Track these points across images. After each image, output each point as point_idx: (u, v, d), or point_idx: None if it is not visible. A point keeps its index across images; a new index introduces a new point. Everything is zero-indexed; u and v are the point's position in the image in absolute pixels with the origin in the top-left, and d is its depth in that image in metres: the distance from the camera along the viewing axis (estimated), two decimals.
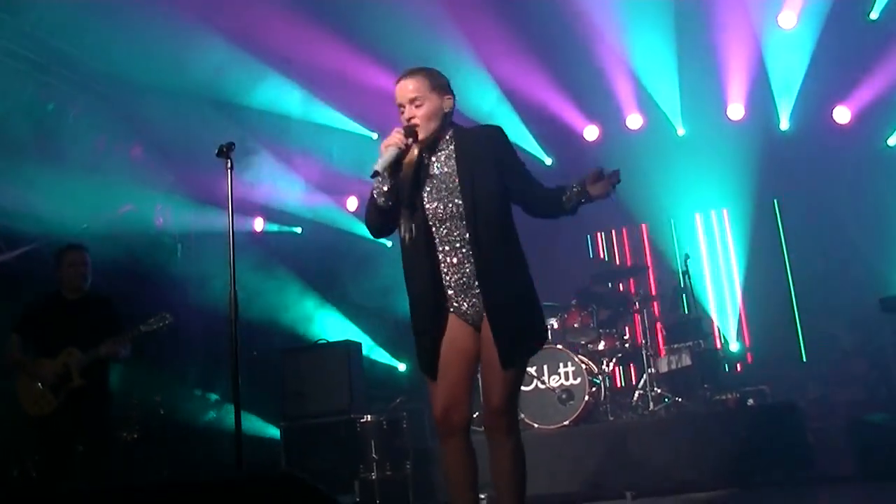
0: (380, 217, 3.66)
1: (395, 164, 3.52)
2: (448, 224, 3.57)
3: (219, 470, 7.98)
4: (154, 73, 7.98)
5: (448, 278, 3.59)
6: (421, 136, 3.59)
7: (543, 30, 8.95)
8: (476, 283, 3.55)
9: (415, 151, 3.64)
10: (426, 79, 3.63)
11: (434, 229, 3.60)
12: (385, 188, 3.56)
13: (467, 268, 3.56)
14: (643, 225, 10.15)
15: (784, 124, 9.26)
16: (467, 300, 3.58)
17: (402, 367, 10.26)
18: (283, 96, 9.36)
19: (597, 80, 9.42)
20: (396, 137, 3.51)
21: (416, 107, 3.58)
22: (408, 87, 3.61)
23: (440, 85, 3.66)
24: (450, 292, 3.60)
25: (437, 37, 8.36)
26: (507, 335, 3.50)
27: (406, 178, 3.62)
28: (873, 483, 5.90)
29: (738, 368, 8.98)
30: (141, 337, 5.78)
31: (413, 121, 3.57)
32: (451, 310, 3.62)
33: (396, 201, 3.60)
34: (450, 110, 3.67)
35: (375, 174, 3.49)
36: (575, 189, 3.60)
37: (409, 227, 3.61)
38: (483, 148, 3.62)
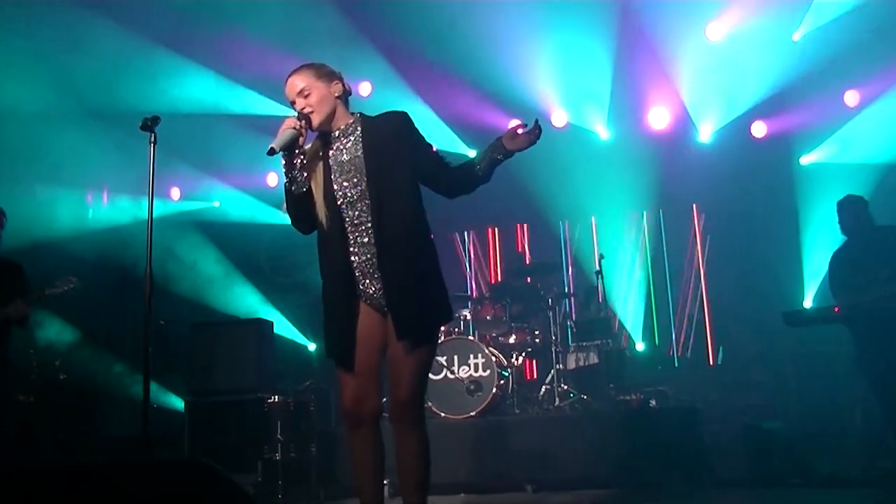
0: (294, 206, 3.71)
1: (291, 146, 3.59)
2: (358, 206, 3.62)
3: (124, 446, 7.88)
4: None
5: (357, 259, 3.62)
6: (316, 121, 3.67)
7: (470, 25, 8.87)
8: (378, 263, 3.59)
9: (318, 142, 3.74)
10: (310, 70, 3.73)
11: (345, 214, 3.64)
12: (293, 173, 3.62)
13: (373, 248, 3.59)
14: (562, 222, 10.27)
15: (705, 135, 9.46)
16: (375, 283, 3.61)
17: (312, 346, 10.22)
18: (199, 81, 9.22)
19: (524, 77, 9.41)
20: (291, 121, 3.60)
21: (305, 97, 3.66)
22: (294, 84, 3.69)
23: (326, 73, 3.75)
24: (357, 274, 3.63)
25: (348, 41, 8.41)
26: (401, 306, 3.54)
27: (315, 168, 3.69)
28: (763, 489, 6.12)
29: (644, 369, 9.16)
30: (47, 300, 5.68)
31: (306, 109, 3.65)
32: (360, 295, 3.65)
33: (308, 190, 3.66)
34: (341, 94, 3.75)
35: (271, 151, 3.54)
36: (489, 152, 3.67)
37: (324, 214, 3.65)
38: (388, 132, 3.68)
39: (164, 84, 8.71)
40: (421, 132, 3.74)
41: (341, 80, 3.77)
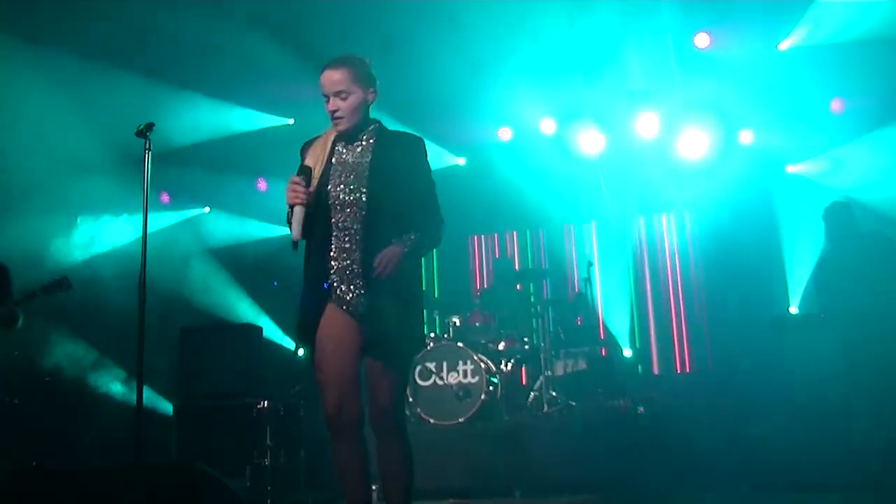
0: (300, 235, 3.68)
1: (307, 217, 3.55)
2: (346, 211, 3.57)
3: (110, 449, 7.85)
4: None
5: (336, 263, 3.56)
6: (343, 127, 3.61)
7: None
8: (361, 271, 3.53)
9: (329, 143, 3.67)
10: (351, 70, 3.62)
11: (332, 216, 3.59)
12: (298, 227, 3.55)
13: (356, 255, 3.54)
14: (551, 229, 10.29)
15: (692, 142, 9.48)
16: (352, 290, 3.55)
17: (301, 352, 10.19)
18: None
19: (514, 85, 9.40)
20: (298, 194, 3.52)
21: (342, 99, 3.58)
22: (333, 78, 3.59)
23: (365, 76, 3.65)
24: (334, 276, 3.56)
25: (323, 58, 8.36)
26: (377, 321, 3.52)
27: (317, 164, 3.63)
28: (750, 493, 6.14)
29: (633, 375, 9.20)
30: (38, 301, 5.68)
31: (337, 113, 3.59)
32: (334, 299, 3.57)
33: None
34: (372, 101, 3.68)
35: (295, 245, 3.56)
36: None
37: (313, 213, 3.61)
38: (401, 152, 3.65)
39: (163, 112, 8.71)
40: (428, 166, 3.72)
41: (376, 87, 3.69)
